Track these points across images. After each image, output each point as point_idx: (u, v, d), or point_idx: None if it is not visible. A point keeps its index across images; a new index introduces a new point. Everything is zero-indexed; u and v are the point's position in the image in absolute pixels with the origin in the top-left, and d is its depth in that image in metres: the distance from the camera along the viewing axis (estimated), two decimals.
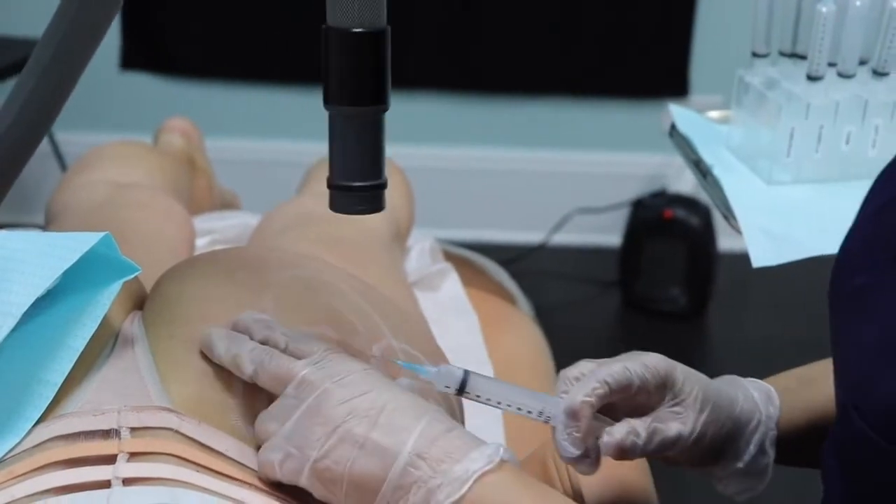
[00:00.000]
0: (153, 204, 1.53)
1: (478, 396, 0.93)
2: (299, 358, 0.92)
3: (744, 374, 2.97)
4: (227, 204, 2.03)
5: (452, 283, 1.56)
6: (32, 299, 0.92)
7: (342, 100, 0.95)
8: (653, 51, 3.04)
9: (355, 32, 0.93)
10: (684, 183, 3.04)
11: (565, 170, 3.16)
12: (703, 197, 2.95)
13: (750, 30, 1.44)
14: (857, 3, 1.34)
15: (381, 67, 0.95)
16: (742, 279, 2.98)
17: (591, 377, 0.91)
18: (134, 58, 3.11)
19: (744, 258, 2.97)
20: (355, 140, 0.96)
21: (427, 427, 0.87)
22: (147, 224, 1.43)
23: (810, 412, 1.00)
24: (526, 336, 1.57)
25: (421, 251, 1.63)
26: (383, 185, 0.98)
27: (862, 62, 1.39)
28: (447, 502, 0.83)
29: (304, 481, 0.88)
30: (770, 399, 1.00)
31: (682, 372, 0.94)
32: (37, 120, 1.18)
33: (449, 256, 1.67)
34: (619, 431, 0.90)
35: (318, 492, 0.88)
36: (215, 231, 1.60)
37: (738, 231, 1.34)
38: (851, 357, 0.83)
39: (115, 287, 0.97)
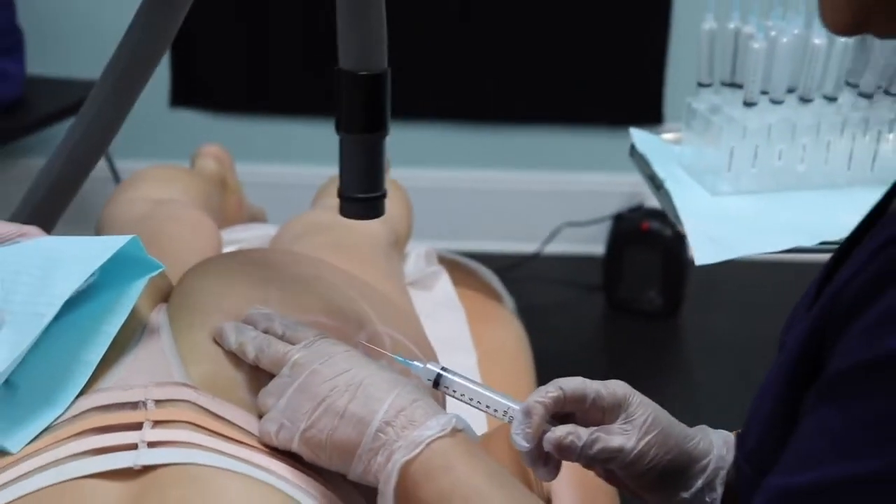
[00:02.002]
0: (185, 217, 1.54)
1: (453, 392, 0.94)
2: (293, 343, 0.94)
3: (712, 364, 2.97)
4: (255, 218, 2.04)
5: (444, 283, 1.58)
6: (71, 291, 0.94)
7: (350, 128, 1.02)
8: (631, 84, 3.03)
9: (361, 75, 0.99)
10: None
11: (555, 189, 3.15)
12: None
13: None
14: (784, 41, 1.37)
15: (381, 102, 1.02)
16: (710, 282, 2.95)
17: (551, 384, 0.91)
18: (180, 97, 3.15)
19: (713, 265, 2.99)
20: (360, 160, 1.03)
21: (395, 399, 0.88)
22: (179, 234, 1.45)
23: None
24: (508, 328, 1.57)
25: (417, 256, 1.64)
26: (383, 196, 1.06)
27: (790, 90, 1.42)
28: (402, 461, 0.84)
29: (295, 447, 0.90)
30: (728, 445, 0.95)
31: (638, 398, 0.92)
32: (92, 147, 1.23)
33: (443, 260, 1.69)
34: (560, 430, 0.89)
35: (307, 455, 0.90)
36: (241, 241, 1.63)
37: (684, 234, 1.36)
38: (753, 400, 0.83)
39: (142, 282, 0.99)
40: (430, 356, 1.15)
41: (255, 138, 3.01)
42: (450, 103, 3.06)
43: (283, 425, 0.90)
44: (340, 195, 1.05)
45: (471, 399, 0.94)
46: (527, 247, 3.13)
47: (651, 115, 3.06)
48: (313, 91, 3.02)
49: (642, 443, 0.90)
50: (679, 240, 2.90)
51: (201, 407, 0.93)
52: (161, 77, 3.12)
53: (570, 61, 3.00)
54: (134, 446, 0.87)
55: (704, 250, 1.30)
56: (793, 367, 0.74)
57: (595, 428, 0.90)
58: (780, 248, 1.29)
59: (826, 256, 1.00)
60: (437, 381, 0.95)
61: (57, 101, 2.73)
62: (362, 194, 1.05)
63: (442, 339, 1.34)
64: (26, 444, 0.89)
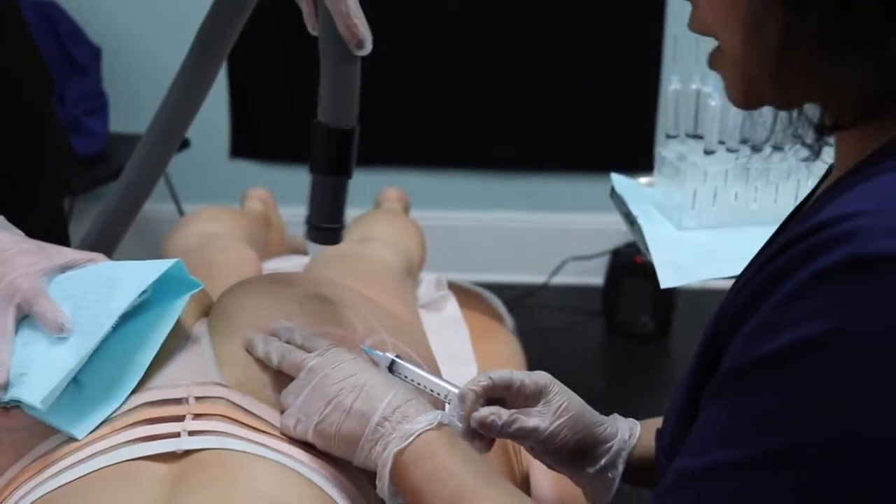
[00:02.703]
0: (230, 249, 1.57)
1: (404, 377, 0.99)
2: (310, 352, 0.96)
3: None
4: (296, 248, 2.05)
5: (452, 306, 1.58)
6: (126, 306, 0.96)
7: (320, 171, 1.04)
8: (626, 137, 3.03)
9: (333, 128, 1.01)
10: None
11: (560, 227, 3.15)
12: None
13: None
14: None
15: (348, 152, 1.02)
16: (696, 308, 2.93)
17: (483, 374, 0.95)
18: (239, 149, 3.18)
19: (698, 292, 3.01)
20: (326, 197, 1.05)
21: (393, 398, 0.90)
22: (224, 261, 1.47)
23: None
24: (506, 344, 1.57)
25: (429, 283, 1.65)
26: (342, 227, 1.07)
27: (743, 141, 1.43)
28: (395, 450, 0.86)
29: (309, 438, 0.92)
30: (632, 432, 0.98)
31: (557, 387, 0.95)
32: (141, 188, 1.26)
33: (452, 286, 1.69)
34: (484, 410, 0.92)
35: (319, 445, 0.92)
36: (280, 269, 1.62)
37: (652, 263, 1.36)
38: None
39: (185, 298, 1.01)
40: (431, 364, 1.16)
41: (301, 184, 3.01)
42: (467, 154, 3.08)
43: (299, 420, 0.92)
44: (308, 223, 1.07)
45: (418, 384, 0.98)
46: (536, 278, 3.13)
47: (643, 163, 3.04)
48: None
49: (554, 424, 0.93)
50: None
51: (234, 403, 0.95)
52: (223, 133, 3.17)
53: (574, 117, 3.02)
54: (177, 434, 0.90)
55: (668, 276, 1.32)
56: (694, 371, 0.75)
57: (515, 410, 0.94)
58: (732, 274, 1.29)
59: None
60: (391, 368, 1.00)
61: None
62: (325, 224, 1.06)
63: (448, 352, 1.35)
64: (90, 432, 0.92)
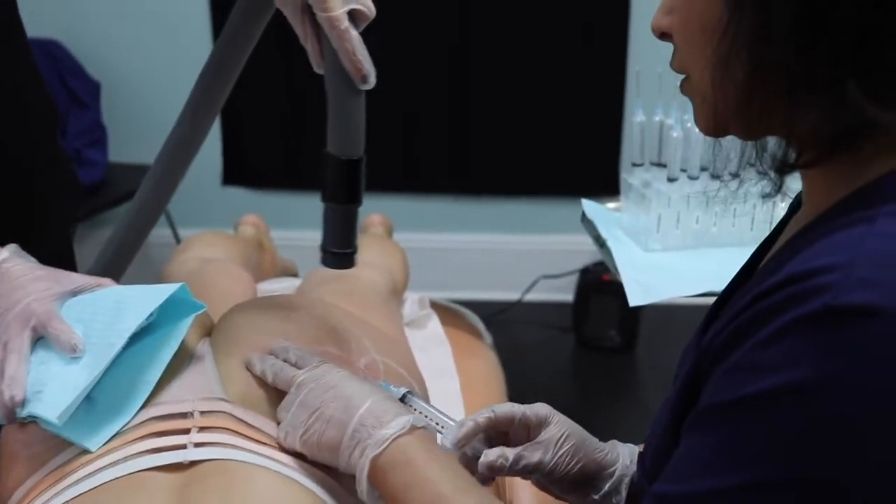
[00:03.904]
0: (227, 272, 1.56)
1: (414, 409, 0.97)
2: (301, 369, 0.96)
3: (662, 389, 2.95)
4: (286, 270, 2.04)
5: (434, 323, 1.59)
6: (135, 327, 0.96)
7: (332, 199, 1.03)
8: (593, 164, 3.06)
9: (342, 159, 1.01)
10: None
11: (532, 248, 3.17)
12: None
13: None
14: (697, 130, 1.42)
15: (357, 181, 1.01)
16: (660, 323, 2.96)
17: (486, 409, 0.93)
18: (230, 176, 3.18)
19: (661, 309, 3.02)
20: (338, 224, 1.04)
21: (370, 405, 0.89)
22: (221, 285, 1.47)
23: None
24: (486, 359, 1.58)
25: (412, 301, 1.65)
26: (354, 252, 1.06)
27: (703, 169, 1.46)
28: (371, 454, 0.85)
29: (298, 448, 0.92)
30: (633, 457, 0.95)
31: (557, 417, 0.93)
32: (146, 219, 1.27)
33: (434, 305, 1.70)
34: (492, 454, 0.90)
35: (307, 454, 0.92)
36: (273, 290, 1.64)
37: (621, 282, 1.38)
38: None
39: (189, 319, 1.01)
40: (418, 379, 1.15)
41: (290, 209, 3.04)
42: (446, 180, 3.10)
43: (288, 432, 0.92)
44: (322, 248, 1.06)
45: (425, 416, 0.97)
46: (510, 296, 3.15)
47: (608, 188, 3.08)
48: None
49: (557, 455, 0.91)
50: None
51: (236, 417, 0.95)
52: (215, 161, 3.18)
53: (545, 146, 3.05)
54: (183, 446, 0.91)
55: (636, 294, 1.33)
56: (677, 401, 0.75)
57: (520, 447, 0.91)
58: (695, 293, 1.32)
59: None
60: (403, 399, 0.99)
61: (132, 183, 2.74)
62: (338, 249, 1.06)
63: (431, 368, 1.35)
64: (102, 445, 0.92)
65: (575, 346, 2.98)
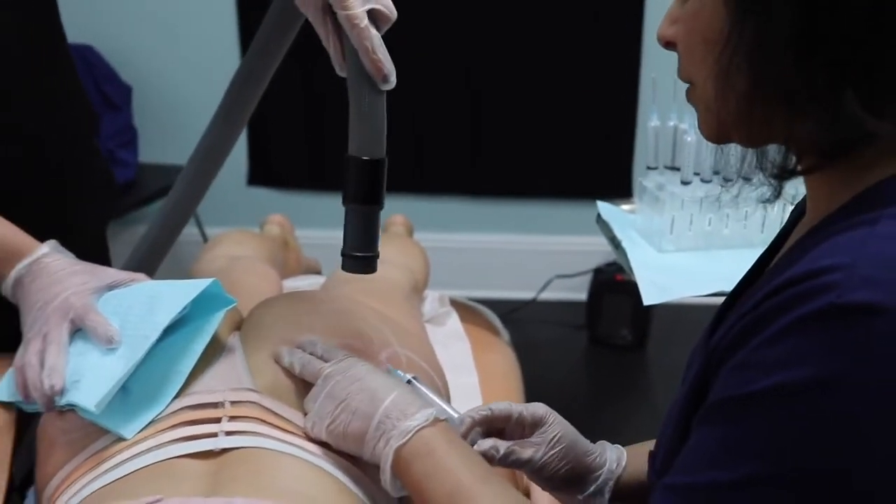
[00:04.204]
0: (254, 269, 1.57)
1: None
2: (327, 361, 0.97)
3: (671, 387, 2.94)
4: (310, 268, 2.04)
5: (454, 320, 1.59)
6: (169, 320, 0.98)
7: (353, 201, 0.99)
8: (606, 166, 3.05)
9: (364, 160, 0.97)
10: None
11: (547, 248, 3.16)
12: None
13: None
14: None
15: (378, 182, 0.97)
16: (671, 322, 2.95)
17: (485, 405, 0.95)
18: (256, 177, 3.21)
19: (672, 308, 3.01)
20: (359, 226, 0.99)
21: (394, 398, 0.89)
22: (249, 281, 1.48)
23: (645, 471, 0.92)
24: (503, 356, 1.57)
25: (433, 299, 1.65)
26: (376, 256, 1.00)
27: (715, 172, 1.45)
28: (395, 445, 0.86)
29: (324, 438, 0.93)
30: (619, 460, 0.97)
31: (553, 418, 0.95)
32: (179, 216, 1.28)
33: (453, 303, 1.69)
34: (485, 444, 0.92)
35: (333, 443, 0.93)
36: (298, 287, 1.64)
37: (635, 282, 1.37)
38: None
39: (221, 313, 1.03)
40: (439, 373, 1.16)
41: (313, 209, 3.03)
42: (464, 182, 3.10)
43: (315, 422, 0.93)
44: (343, 253, 1.00)
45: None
46: (525, 294, 3.14)
47: (622, 191, 3.08)
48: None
49: (547, 455, 0.93)
50: None
51: (265, 407, 0.97)
52: (241, 162, 3.19)
53: (560, 149, 3.05)
54: (215, 435, 0.92)
55: (650, 294, 1.33)
56: (686, 401, 0.75)
57: (513, 442, 0.93)
58: (707, 292, 1.32)
59: None
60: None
61: (161, 182, 2.80)
62: (360, 253, 1.00)
63: (451, 363, 1.34)
64: (137, 433, 0.94)
65: (587, 344, 2.97)
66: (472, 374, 1.44)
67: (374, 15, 0.92)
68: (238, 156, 3.18)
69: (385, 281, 1.43)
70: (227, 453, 0.91)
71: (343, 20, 0.92)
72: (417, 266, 1.64)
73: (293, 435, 0.95)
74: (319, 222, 3.02)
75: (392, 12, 0.94)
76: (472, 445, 0.92)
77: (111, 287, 1.05)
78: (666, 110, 1.46)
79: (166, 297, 1.01)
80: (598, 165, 3.07)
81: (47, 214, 1.17)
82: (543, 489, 0.98)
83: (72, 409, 0.97)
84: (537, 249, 3.18)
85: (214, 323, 1.02)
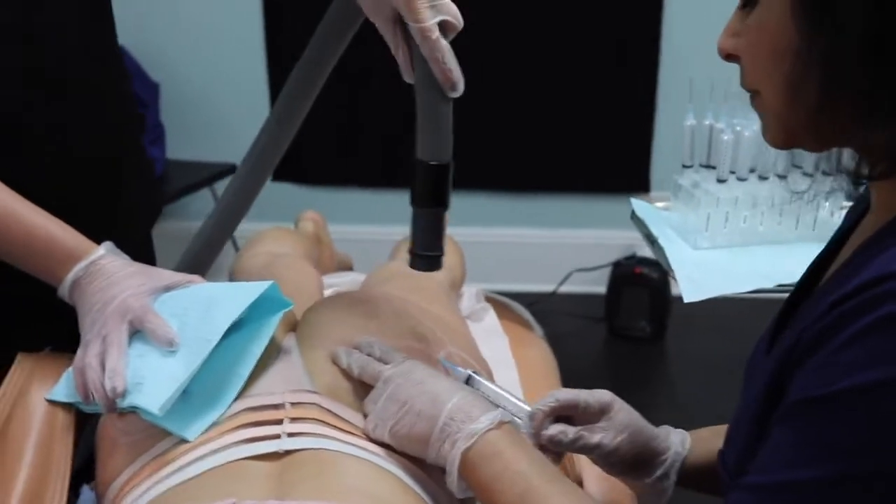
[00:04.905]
0: (296, 266, 1.56)
1: (479, 391, 0.97)
2: (387, 363, 0.96)
3: (689, 377, 2.95)
4: (343, 263, 2.04)
5: (491, 317, 1.58)
6: (228, 324, 0.96)
7: (421, 204, 1.01)
8: (625, 162, 3.06)
9: (431, 164, 0.98)
10: (648, 250, 3.07)
11: (568, 242, 3.16)
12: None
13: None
14: (747, 134, 1.40)
15: (445, 185, 0.99)
16: (688, 314, 2.92)
17: (551, 396, 0.95)
18: (280, 173, 3.19)
19: (696, 301, 2.98)
20: (427, 227, 1.02)
21: (457, 401, 0.89)
22: (293, 278, 1.46)
23: (711, 455, 0.94)
24: (540, 351, 1.57)
25: (470, 295, 1.65)
26: (441, 255, 1.04)
27: (751, 171, 1.43)
28: (462, 447, 0.85)
29: (387, 439, 0.92)
30: (683, 443, 0.98)
31: (619, 404, 0.95)
32: (234, 215, 1.27)
33: (488, 299, 1.69)
34: (553, 429, 0.93)
35: (396, 445, 0.92)
36: (336, 285, 1.64)
37: (675, 279, 1.35)
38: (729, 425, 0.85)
39: (279, 315, 1.01)
40: (486, 369, 1.15)
41: (337, 204, 3.05)
42: (487, 177, 3.09)
43: (377, 424, 0.92)
44: (411, 252, 1.04)
45: (489, 398, 0.97)
46: (545, 287, 3.15)
47: (640, 185, 3.08)
48: (382, 168, 3.10)
49: (616, 440, 0.93)
50: (664, 281, 2.90)
51: (324, 408, 0.95)
52: None
53: (579, 145, 3.04)
54: (277, 436, 0.91)
55: (690, 291, 1.31)
56: (762, 402, 0.75)
57: (581, 427, 0.94)
58: (746, 289, 1.30)
59: (775, 294, 1.02)
60: (467, 382, 0.99)
61: (188, 178, 2.80)
62: (428, 252, 1.03)
63: (490, 358, 1.29)
64: (199, 435, 0.93)
65: (607, 335, 2.98)
66: (511, 369, 1.43)
67: (442, 25, 0.94)
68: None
69: (428, 279, 1.40)
70: (291, 455, 0.90)
71: (415, 32, 0.93)
72: (455, 263, 1.63)
73: (354, 436, 0.93)
74: (345, 218, 3.03)
75: (459, 22, 0.95)
76: (546, 435, 0.92)
77: (168, 288, 1.03)
78: (702, 109, 1.44)
79: (225, 299, 1.00)
80: (617, 160, 3.07)
81: (98, 215, 1.15)
82: (610, 474, 0.98)
83: (133, 410, 0.96)
84: (557, 243, 3.18)
85: (272, 325, 1.01)
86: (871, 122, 0.67)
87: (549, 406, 0.94)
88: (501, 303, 1.74)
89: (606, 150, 3.04)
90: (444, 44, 0.94)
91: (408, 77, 0.98)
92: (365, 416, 0.96)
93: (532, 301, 2.98)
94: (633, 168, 3.07)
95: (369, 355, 0.99)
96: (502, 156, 3.06)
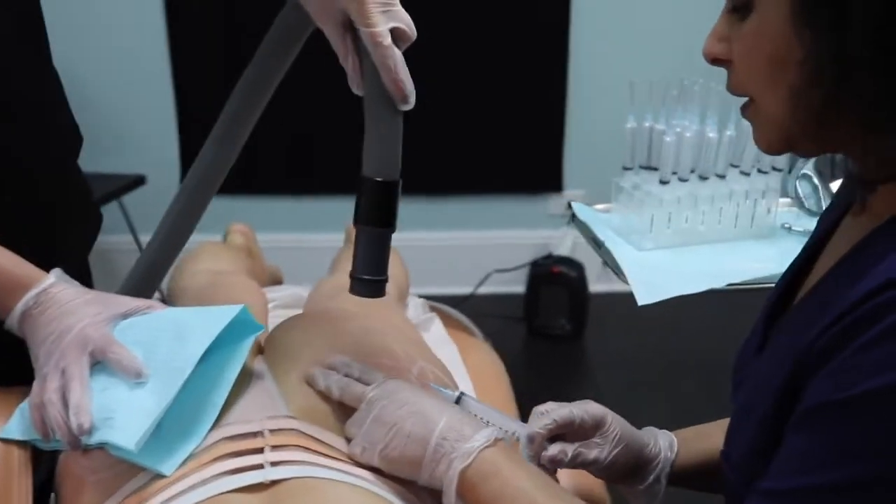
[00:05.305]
0: (240, 284, 1.52)
1: (470, 412, 0.95)
2: (367, 384, 0.93)
3: (608, 373, 2.99)
4: (273, 276, 1.99)
5: (437, 326, 1.56)
6: (202, 351, 0.91)
7: (364, 222, 0.94)
8: (538, 162, 3.08)
9: (377, 181, 0.93)
10: (563, 248, 3.10)
11: (485, 243, 3.17)
12: (578, 257, 3.01)
13: (620, 145, 1.49)
14: (688, 135, 1.40)
15: (391, 204, 0.94)
16: (606, 312, 3.01)
17: (547, 416, 0.93)
18: None
19: (606, 297, 3.04)
20: (370, 249, 0.95)
21: (448, 419, 0.87)
22: (238, 297, 1.41)
23: (698, 455, 0.99)
24: (488, 356, 1.56)
25: (415, 305, 1.62)
26: (385, 280, 0.96)
27: (692, 171, 1.44)
28: (460, 467, 0.83)
29: (376, 463, 0.89)
30: (672, 446, 0.99)
31: (611, 417, 0.95)
32: (179, 238, 1.21)
33: (431, 308, 1.67)
34: (553, 448, 0.92)
35: (385, 468, 0.89)
36: (275, 299, 1.59)
37: (626, 283, 1.34)
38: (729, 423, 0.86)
39: (250, 340, 0.97)
40: (452, 381, 1.12)
41: (247, 212, 2.94)
42: (404, 182, 3.06)
43: (365, 448, 0.89)
44: (352, 275, 0.95)
45: (481, 418, 0.95)
46: (464, 289, 3.15)
47: (553, 185, 3.12)
48: (289, 175, 3.03)
49: (612, 454, 0.94)
50: (581, 279, 2.95)
51: (305, 433, 0.92)
52: (173, 165, 3.10)
53: (494, 147, 3.05)
54: (260, 466, 0.87)
55: (643, 294, 1.31)
56: (772, 406, 0.75)
57: (578, 444, 0.94)
58: (699, 290, 1.30)
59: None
60: (458, 401, 0.97)
61: (96, 191, 2.64)
62: (371, 276, 0.95)
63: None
64: (176, 469, 0.88)
65: (527, 335, 2.99)
66: (464, 378, 1.41)
67: (394, 34, 0.89)
68: (170, 158, 3.08)
69: None
70: (278, 485, 0.86)
71: (366, 37, 0.88)
72: (399, 273, 1.61)
73: (340, 461, 0.90)
74: (256, 227, 2.95)
75: (413, 31, 0.90)
76: (546, 456, 0.92)
77: (125, 316, 0.98)
78: (641, 111, 1.45)
79: (194, 326, 0.95)
80: (530, 161, 3.10)
81: (34, 242, 1.07)
82: (605, 480, 0.99)
83: (100, 447, 0.90)
84: (474, 245, 3.19)
85: (245, 350, 0.97)
86: (876, 128, 0.67)
87: (547, 428, 0.93)
88: (441, 310, 1.72)
89: (519, 151, 3.06)
90: (397, 52, 0.88)
91: (356, 88, 0.93)
92: (347, 439, 0.92)
93: (451, 304, 2.96)
94: (546, 168, 3.10)
95: (346, 375, 0.96)
96: (416, 160, 3.00)
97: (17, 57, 1.07)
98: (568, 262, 2.95)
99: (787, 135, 0.73)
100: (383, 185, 0.93)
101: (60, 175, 1.18)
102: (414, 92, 0.91)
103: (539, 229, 3.14)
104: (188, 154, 3.05)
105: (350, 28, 0.90)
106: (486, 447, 0.84)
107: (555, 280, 2.92)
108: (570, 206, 1.61)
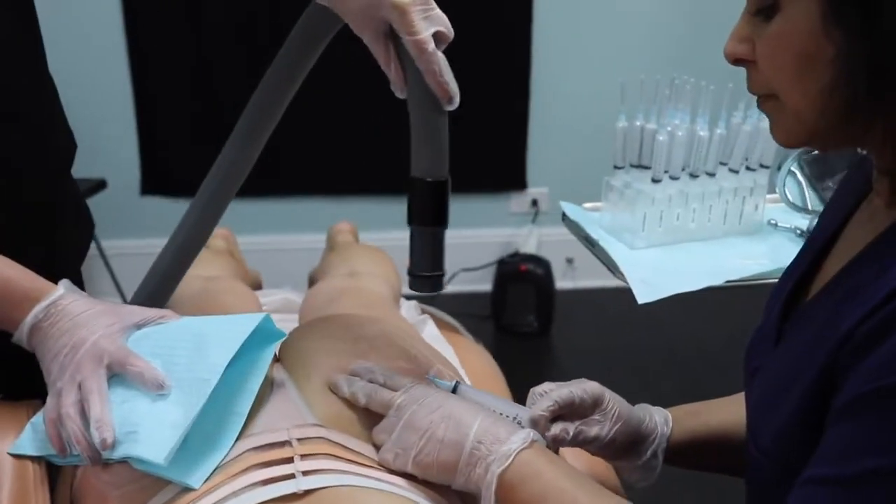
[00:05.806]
0: (233, 289, 1.49)
1: (467, 398, 0.94)
2: (394, 390, 0.92)
3: (576, 368, 3.03)
4: (255, 280, 1.96)
5: (431, 327, 1.55)
6: (227, 361, 0.89)
7: (419, 222, 0.97)
8: (503, 161, 3.09)
9: (428, 181, 0.95)
10: (530, 246, 3.11)
11: (451, 242, 3.12)
12: (544, 254, 3.02)
13: (584, 142, 1.50)
14: (680, 134, 1.40)
15: (443, 203, 0.96)
16: (572, 309, 3.04)
17: (548, 397, 0.94)
18: (149, 186, 3.07)
19: (572, 293, 3.05)
20: (426, 247, 0.98)
21: (481, 422, 0.86)
22: (232, 302, 1.40)
23: (691, 434, 1.01)
24: (481, 354, 1.56)
25: (408, 307, 1.61)
26: (442, 275, 0.99)
27: (683, 169, 1.44)
28: (498, 471, 0.82)
29: (409, 469, 0.88)
30: (666, 422, 1.01)
31: (609, 395, 0.96)
32: (195, 243, 1.17)
33: (423, 311, 1.66)
34: (555, 428, 0.93)
35: (419, 474, 0.87)
36: (266, 304, 1.57)
37: (624, 281, 1.33)
38: (748, 411, 0.87)
39: (272, 348, 0.96)
40: (458, 378, 1.10)
41: (226, 217, 2.92)
42: (369, 181, 3.06)
43: (397, 454, 0.88)
44: (410, 273, 0.98)
45: (481, 404, 0.93)
46: None
47: (518, 183, 3.12)
48: (260, 176, 2.98)
49: (612, 431, 0.96)
50: (548, 276, 2.96)
51: (333, 441, 0.90)
52: (133, 171, 3.04)
53: (457, 147, 3.01)
54: (292, 476, 0.85)
55: (642, 292, 1.29)
56: (812, 389, 0.75)
57: (579, 422, 0.95)
58: (697, 288, 1.30)
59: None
60: (455, 390, 0.96)
61: None
62: (429, 273, 0.98)
63: None
64: (204, 482, 0.86)
65: (495, 332, 2.99)
66: (465, 378, 1.38)
67: (435, 37, 0.90)
68: (130, 165, 3.02)
69: (375, 295, 1.39)
70: (311, 495, 0.84)
71: (410, 45, 0.89)
72: (391, 274, 1.60)
73: (371, 468, 0.88)
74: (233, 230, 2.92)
75: (450, 31, 0.91)
76: (549, 435, 0.93)
77: (139, 326, 0.95)
78: (632, 110, 1.45)
79: (215, 335, 0.93)
80: (494, 160, 3.10)
81: (32, 254, 1.04)
82: (604, 458, 1.00)
83: (122, 461, 0.87)
84: None
85: (267, 359, 0.95)
86: None
87: (550, 410, 0.93)
88: (430, 312, 1.70)
89: (482, 149, 3.06)
90: (440, 56, 0.90)
91: (400, 93, 0.94)
92: (375, 445, 0.91)
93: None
94: (509, 166, 3.11)
95: (371, 381, 0.94)
96: (381, 159, 3.01)
97: (18, 61, 1.04)
98: (535, 259, 2.96)
99: (811, 130, 0.74)
100: (434, 184, 0.96)
101: (60, 181, 1.15)
102: (458, 92, 0.93)
103: (503, 227, 3.14)
104: (148, 157, 2.99)
105: (391, 35, 0.91)
106: (524, 449, 0.84)
107: (522, 278, 2.93)
108: (561, 208, 1.59)
